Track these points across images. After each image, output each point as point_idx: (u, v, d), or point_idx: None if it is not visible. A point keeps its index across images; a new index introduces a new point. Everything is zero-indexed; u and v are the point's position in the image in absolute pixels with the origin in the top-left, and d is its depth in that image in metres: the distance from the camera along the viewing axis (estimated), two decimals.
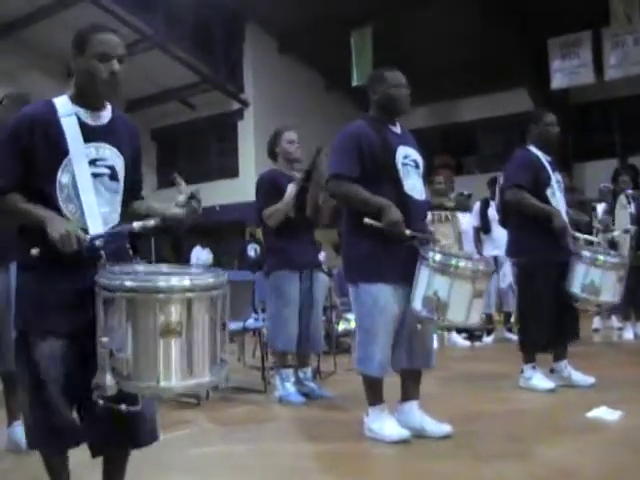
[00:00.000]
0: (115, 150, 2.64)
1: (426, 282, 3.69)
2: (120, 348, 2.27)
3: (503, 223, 5.66)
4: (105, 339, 2.28)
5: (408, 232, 3.77)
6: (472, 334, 8.53)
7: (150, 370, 2.25)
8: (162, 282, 2.28)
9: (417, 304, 3.73)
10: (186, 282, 2.30)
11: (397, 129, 4.12)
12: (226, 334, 2.44)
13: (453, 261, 3.67)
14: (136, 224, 2.54)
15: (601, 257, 5.06)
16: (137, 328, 2.26)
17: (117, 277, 2.31)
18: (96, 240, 2.45)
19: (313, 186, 5.17)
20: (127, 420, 2.43)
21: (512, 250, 5.49)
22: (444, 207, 8.59)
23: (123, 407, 2.35)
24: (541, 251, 5.13)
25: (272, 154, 5.52)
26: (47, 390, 2.43)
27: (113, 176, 2.62)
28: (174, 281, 2.30)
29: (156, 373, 2.24)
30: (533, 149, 5.36)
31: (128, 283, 2.27)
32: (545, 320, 5.11)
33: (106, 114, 2.66)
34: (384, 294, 3.85)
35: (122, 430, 2.49)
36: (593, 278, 5.00)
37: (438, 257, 3.70)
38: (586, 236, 5.36)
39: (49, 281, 2.47)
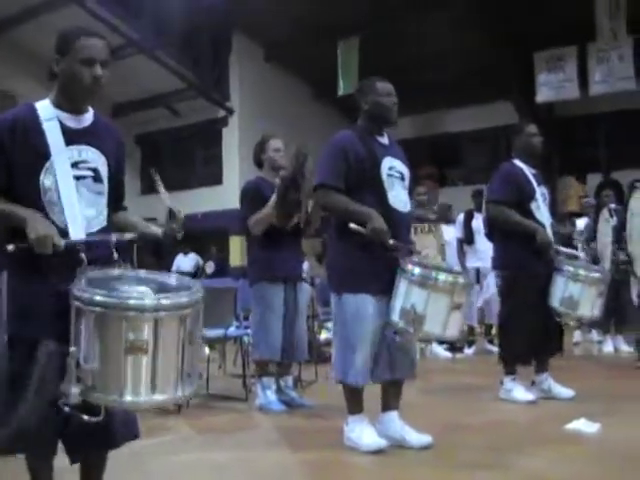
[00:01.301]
0: (98, 152, 2.64)
1: (404, 294, 3.69)
2: (87, 359, 2.26)
3: (489, 236, 5.68)
4: (73, 348, 2.27)
5: (391, 242, 3.77)
6: (453, 346, 8.55)
7: (115, 384, 2.24)
8: (132, 300, 2.26)
9: (395, 316, 3.73)
10: (155, 302, 2.26)
11: (385, 140, 4.11)
12: (197, 347, 2.42)
13: (433, 274, 3.65)
14: (114, 235, 2.57)
15: (582, 272, 5.10)
16: (104, 343, 2.25)
17: (88, 290, 2.27)
18: (72, 246, 2.44)
19: (302, 195, 5.14)
20: (101, 420, 2.36)
21: (497, 263, 5.50)
22: (427, 219, 8.62)
23: (85, 417, 2.32)
24: (525, 264, 5.15)
25: (258, 162, 5.50)
26: (38, 394, 2.37)
27: (97, 178, 2.62)
28: (143, 300, 2.27)
29: (120, 387, 2.23)
30: (518, 162, 5.39)
31: (98, 298, 2.24)
32: (526, 333, 5.12)
33: (88, 117, 2.67)
34: (366, 305, 3.84)
35: (97, 431, 2.42)
36: (572, 292, 5.03)
37: (417, 270, 3.68)
38: (570, 250, 5.38)
39: (35, 285, 2.45)
